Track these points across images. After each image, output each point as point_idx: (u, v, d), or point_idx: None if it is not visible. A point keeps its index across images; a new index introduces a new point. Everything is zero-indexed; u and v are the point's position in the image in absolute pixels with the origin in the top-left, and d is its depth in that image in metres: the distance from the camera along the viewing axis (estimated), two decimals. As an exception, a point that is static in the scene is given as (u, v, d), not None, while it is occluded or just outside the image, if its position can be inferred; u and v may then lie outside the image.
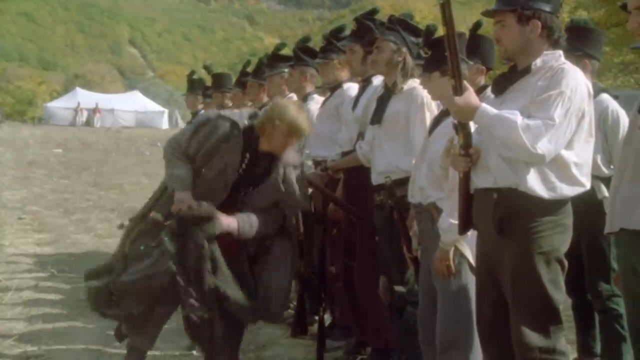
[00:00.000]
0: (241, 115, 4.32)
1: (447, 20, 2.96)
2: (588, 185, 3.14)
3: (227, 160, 4.15)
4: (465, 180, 3.20)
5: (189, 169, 4.18)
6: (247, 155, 4.20)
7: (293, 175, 4.28)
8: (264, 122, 4.18)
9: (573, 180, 3.08)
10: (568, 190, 3.08)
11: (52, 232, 10.68)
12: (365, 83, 4.97)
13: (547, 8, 3.14)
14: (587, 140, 3.12)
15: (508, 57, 3.22)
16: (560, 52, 3.19)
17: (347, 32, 5.32)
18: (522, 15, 3.12)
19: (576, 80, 3.06)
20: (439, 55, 3.72)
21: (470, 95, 3.05)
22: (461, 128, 3.12)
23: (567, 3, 17.54)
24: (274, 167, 4.23)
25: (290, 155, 4.29)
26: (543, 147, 2.94)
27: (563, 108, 2.98)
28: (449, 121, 3.70)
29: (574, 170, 3.07)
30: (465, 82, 3.09)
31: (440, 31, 3.24)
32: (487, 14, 3.31)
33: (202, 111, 8.05)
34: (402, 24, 4.45)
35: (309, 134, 4.39)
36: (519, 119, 2.95)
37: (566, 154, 3.04)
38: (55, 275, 7.82)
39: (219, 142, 4.15)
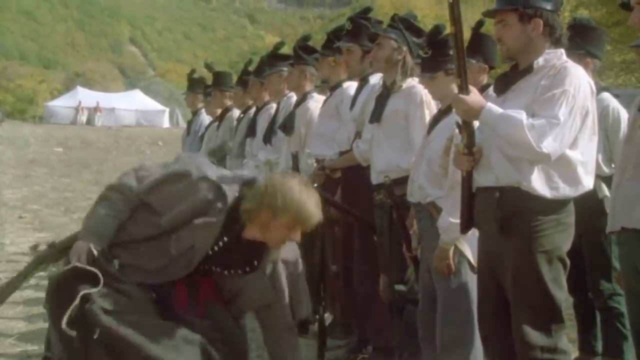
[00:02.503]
0: (234, 179, 3.25)
1: (456, 19, 2.96)
2: (591, 185, 3.13)
3: (196, 241, 3.18)
4: (467, 179, 3.20)
5: (117, 223, 3.22)
6: (225, 239, 3.25)
7: (283, 273, 3.44)
8: (257, 209, 3.16)
9: (576, 180, 3.08)
10: (571, 191, 3.07)
11: (52, 231, 10.67)
12: (362, 82, 4.96)
13: (548, 6, 3.13)
14: (591, 138, 3.12)
15: (510, 56, 3.22)
16: (562, 50, 3.18)
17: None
18: (524, 14, 3.12)
19: (579, 78, 3.05)
20: (442, 55, 3.72)
21: (475, 94, 3.05)
22: (465, 127, 3.12)
23: (568, 2, 17.55)
24: (261, 261, 3.35)
25: (289, 250, 3.48)
26: (548, 146, 2.93)
27: (567, 106, 2.98)
28: (448, 120, 3.71)
29: (579, 169, 3.07)
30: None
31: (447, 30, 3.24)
32: (489, 13, 3.30)
33: (203, 111, 8.04)
34: (404, 23, 4.45)
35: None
36: (524, 117, 2.94)
37: (571, 152, 3.04)
38: (56, 274, 7.81)
39: (192, 214, 3.15)
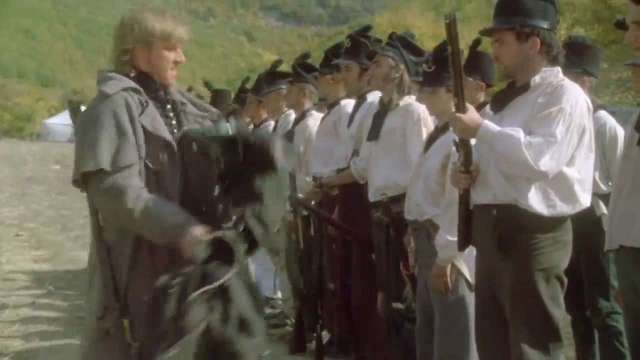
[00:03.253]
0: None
1: (452, 38, 2.97)
2: (588, 203, 3.13)
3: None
4: (464, 196, 3.20)
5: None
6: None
7: None
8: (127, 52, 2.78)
9: (574, 198, 3.08)
10: (568, 209, 3.08)
11: (49, 249, 10.65)
12: (360, 100, 4.98)
13: (545, 25, 3.15)
14: (588, 155, 3.12)
15: (507, 74, 3.23)
16: (559, 68, 3.20)
17: (346, 49, 5.33)
18: (521, 33, 3.13)
19: (576, 96, 3.06)
20: (445, 71, 3.74)
21: (472, 112, 3.06)
22: (462, 145, 3.13)
23: (564, 20, 17.62)
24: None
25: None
26: (545, 164, 2.94)
27: (564, 124, 2.99)
28: (445, 138, 3.72)
29: (576, 187, 3.07)
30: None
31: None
32: (486, 32, 3.32)
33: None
34: (402, 42, 4.47)
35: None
36: (521, 135, 2.95)
37: (568, 170, 3.04)
38: (53, 292, 7.79)
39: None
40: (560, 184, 3.05)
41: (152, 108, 2.75)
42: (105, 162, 2.61)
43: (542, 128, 2.99)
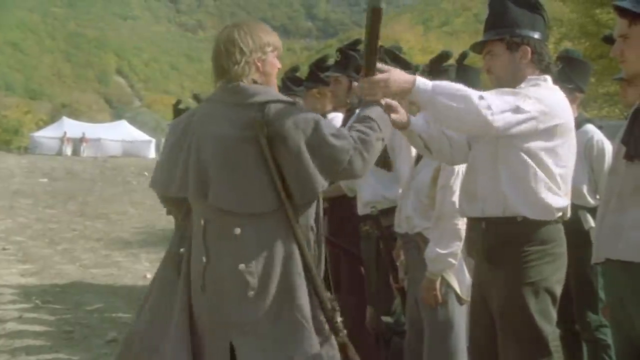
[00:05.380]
0: None
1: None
2: (568, 201, 3.14)
3: None
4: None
5: None
6: None
7: None
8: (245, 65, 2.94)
9: (556, 194, 3.08)
10: (553, 203, 3.07)
11: (36, 263, 10.59)
12: (349, 113, 4.98)
13: (535, 35, 3.16)
14: (571, 151, 3.13)
15: (500, 85, 3.22)
16: (548, 77, 3.20)
17: (331, 61, 5.34)
18: (512, 43, 3.14)
19: (556, 95, 3.08)
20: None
21: (396, 70, 2.88)
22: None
23: (552, 34, 17.76)
24: None
25: None
26: (501, 119, 2.87)
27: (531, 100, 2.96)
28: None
29: (558, 180, 3.07)
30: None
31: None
32: (476, 46, 3.31)
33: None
34: (390, 55, 4.48)
35: None
36: (467, 89, 2.87)
37: (553, 165, 3.04)
38: (40, 306, 7.74)
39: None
40: (543, 182, 3.04)
41: None
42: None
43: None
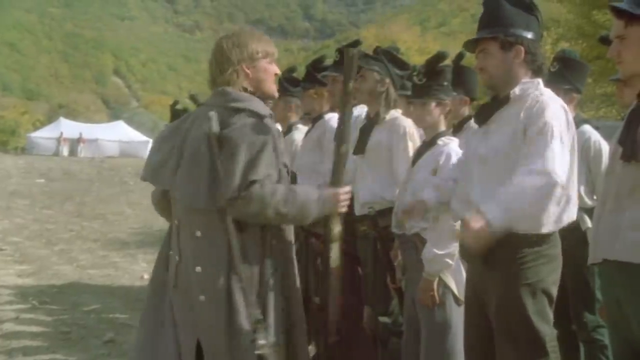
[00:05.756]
0: None
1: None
2: (574, 217, 3.14)
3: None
4: None
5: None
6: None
7: None
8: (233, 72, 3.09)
9: (561, 215, 3.08)
10: (554, 227, 3.08)
11: (33, 263, 10.57)
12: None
13: (529, 35, 3.16)
14: (572, 168, 3.14)
15: (492, 85, 3.22)
16: (540, 80, 3.20)
17: (328, 61, 5.34)
18: (505, 42, 3.14)
19: (555, 112, 3.08)
20: (437, 83, 3.76)
21: (471, 220, 2.91)
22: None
23: (549, 35, 17.77)
24: None
25: None
26: (560, 172, 2.95)
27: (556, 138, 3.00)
28: (432, 152, 3.74)
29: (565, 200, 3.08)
30: None
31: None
32: (470, 43, 3.31)
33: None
34: (387, 56, 4.48)
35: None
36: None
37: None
38: (37, 307, 7.72)
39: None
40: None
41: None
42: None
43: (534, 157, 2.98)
